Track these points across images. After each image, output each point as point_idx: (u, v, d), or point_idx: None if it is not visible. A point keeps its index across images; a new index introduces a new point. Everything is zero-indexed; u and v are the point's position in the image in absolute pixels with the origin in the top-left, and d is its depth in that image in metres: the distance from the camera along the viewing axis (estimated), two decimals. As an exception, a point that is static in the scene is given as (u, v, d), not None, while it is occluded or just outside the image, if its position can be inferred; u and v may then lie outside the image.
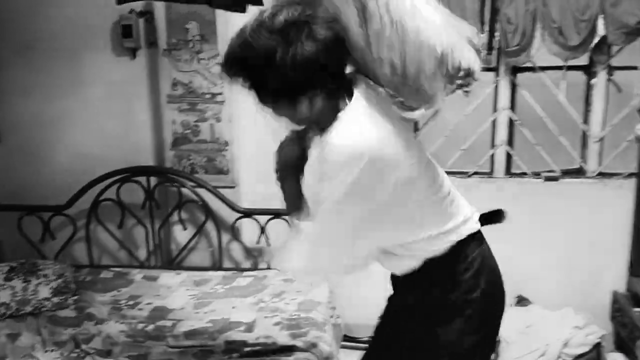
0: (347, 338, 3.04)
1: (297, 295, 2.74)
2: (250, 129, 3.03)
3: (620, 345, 3.03)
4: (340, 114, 1.36)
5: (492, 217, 1.69)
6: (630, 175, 2.99)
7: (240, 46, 1.31)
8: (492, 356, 2.95)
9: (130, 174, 3.03)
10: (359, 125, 1.34)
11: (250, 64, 1.30)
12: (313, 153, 1.46)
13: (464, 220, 1.54)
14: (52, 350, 2.40)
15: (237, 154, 3.05)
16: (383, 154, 1.33)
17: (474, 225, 1.57)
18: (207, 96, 2.95)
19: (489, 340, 1.65)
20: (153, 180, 3.06)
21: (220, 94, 2.95)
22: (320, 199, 1.39)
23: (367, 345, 1.76)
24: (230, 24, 2.75)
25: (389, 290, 1.69)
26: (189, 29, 2.89)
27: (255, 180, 3.06)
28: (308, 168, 1.48)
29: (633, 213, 2.98)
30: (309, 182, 1.48)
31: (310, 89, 1.31)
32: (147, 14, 2.93)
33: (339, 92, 1.37)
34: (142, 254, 3.19)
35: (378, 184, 1.35)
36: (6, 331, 2.50)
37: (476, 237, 1.57)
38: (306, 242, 1.45)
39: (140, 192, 3.05)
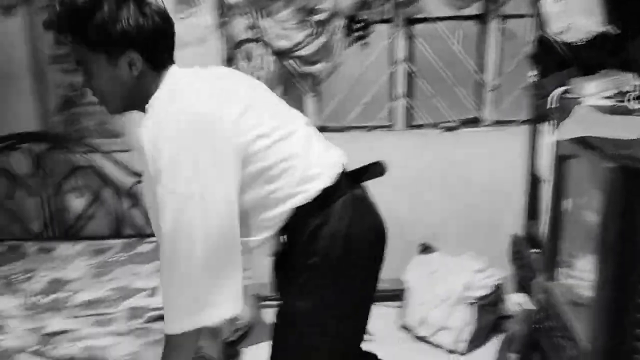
0: (259, 298, 3.02)
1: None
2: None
3: (522, 286, 3.17)
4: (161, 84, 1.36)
5: (371, 170, 1.67)
6: (525, 121, 3.09)
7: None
8: (399, 303, 3.03)
9: (15, 141, 2.84)
10: (176, 92, 1.35)
11: (75, 15, 1.30)
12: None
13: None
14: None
15: (132, 114, 2.91)
16: (198, 112, 1.32)
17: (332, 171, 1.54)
18: (95, 54, 2.79)
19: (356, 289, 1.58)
20: (42, 147, 2.88)
21: (107, 52, 2.79)
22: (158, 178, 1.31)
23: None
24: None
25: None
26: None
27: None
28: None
29: (527, 158, 3.09)
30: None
31: (131, 48, 1.32)
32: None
33: (161, 61, 1.39)
34: (36, 225, 3.03)
35: (207, 140, 1.32)
36: None
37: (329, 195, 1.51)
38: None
39: (29, 160, 2.87)
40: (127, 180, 2.92)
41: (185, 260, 1.31)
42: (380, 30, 2.98)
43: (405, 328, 2.97)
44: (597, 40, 2.64)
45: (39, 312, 2.34)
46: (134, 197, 2.96)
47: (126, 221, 3.05)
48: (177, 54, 2.83)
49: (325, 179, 1.49)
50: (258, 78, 2.79)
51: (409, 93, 3.11)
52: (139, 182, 2.91)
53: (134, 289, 2.49)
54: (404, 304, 2.99)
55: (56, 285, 2.56)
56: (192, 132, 1.29)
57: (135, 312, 2.31)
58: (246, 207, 1.43)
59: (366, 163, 1.67)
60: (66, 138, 2.87)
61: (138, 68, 1.35)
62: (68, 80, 2.82)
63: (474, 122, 3.16)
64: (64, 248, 2.87)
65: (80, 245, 2.89)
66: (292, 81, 3.03)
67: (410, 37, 3.01)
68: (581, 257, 2.57)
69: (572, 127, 2.06)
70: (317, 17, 2.77)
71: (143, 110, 1.39)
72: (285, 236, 1.52)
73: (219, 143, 1.33)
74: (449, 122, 3.10)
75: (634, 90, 2.27)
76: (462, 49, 3.00)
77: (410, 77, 3.07)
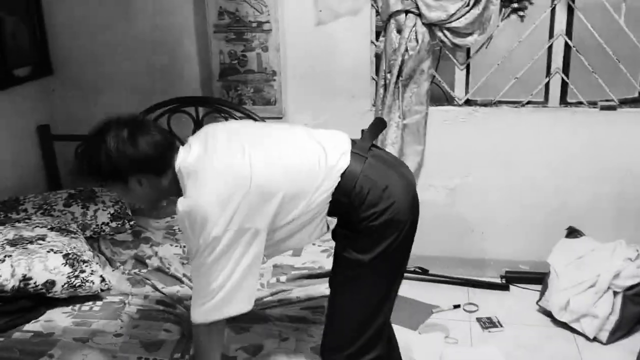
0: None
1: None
2: (297, 59, 3.02)
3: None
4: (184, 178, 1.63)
5: (375, 128, 1.84)
6: (695, 104, 2.85)
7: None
8: (540, 287, 2.95)
9: (179, 104, 3.07)
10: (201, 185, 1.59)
11: (86, 169, 1.68)
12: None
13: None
14: (117, 268, 2.52)
15: (285, 84, 3.04)
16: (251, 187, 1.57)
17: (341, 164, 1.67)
18: (254, 24, 2.93)
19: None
20: (202, 111, 3.09)
21: (267, 22, 2.92)
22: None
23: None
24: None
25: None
26: (235, -44, 2.86)
27: (301, 111, 3.07)
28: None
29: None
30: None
31: (136, 173, 1.63)
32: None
33: (162, 168, 1.66)
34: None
35: (257, 212, 1.57)
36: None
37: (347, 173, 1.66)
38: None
39: (190, 123, 3.09)
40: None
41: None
42: (538, 3, 2.86)
43: (545, 312, 2.89)
44: None
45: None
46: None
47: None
48: (331, 25, 2.92)
49: (342, 161, 1.66)
50: (407, 50, 2.82)
51: (566, 69, 2.97)
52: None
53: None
54: (546, 287, 2.91)
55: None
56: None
57: (279, 270, 2.47)
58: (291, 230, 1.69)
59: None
60: (225, 103, 3.05)
61: (146, 183, 1.65)
62: (229, 49, 2.99)
63: (636, 102, 2.96)
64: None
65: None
66: (444, 53, 3.01)
67: (570, 10, 2.87)
68: None
69: None
70: (472, -12, 2.71)
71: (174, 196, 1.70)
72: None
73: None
74: (608, 100, 2.93)
75: None
76: (626, 24, 2.80)
77: (568, 51, 2.93)
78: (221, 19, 2.95)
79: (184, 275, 2.40)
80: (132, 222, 2.88)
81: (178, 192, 1.64)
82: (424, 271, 3.24)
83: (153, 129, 1.67)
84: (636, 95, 2.97)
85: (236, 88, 3.04)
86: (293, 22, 2.96)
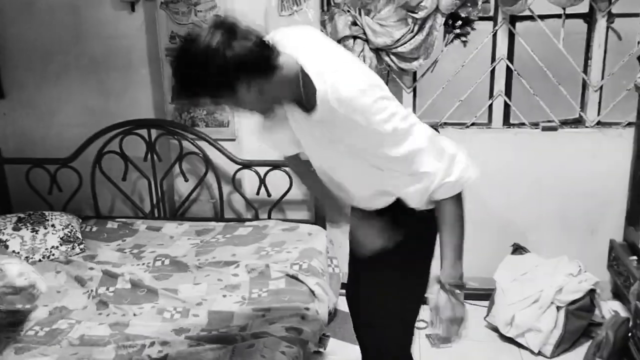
0: (344, 286, 3.11)
1: (297, 244, 2.81)
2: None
3: (616, 292, 3.07)
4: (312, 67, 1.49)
5: None
6: (630, 124, 2.98)
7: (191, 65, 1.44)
8: (487, 302, 3.03)
9: (132, 126, 3.09)
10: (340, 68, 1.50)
11: (189, 86, 1.46)
12: (295, 116, 1.57)
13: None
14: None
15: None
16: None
17: None
18: (205, 48, 2.97)
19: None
20: (154, 133, 3.12)
21: (217, 46, 2.96)
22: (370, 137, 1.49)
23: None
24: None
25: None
26: (186, -19, 2.91)
27: (254, 132, 3.10)
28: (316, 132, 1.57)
29: (631, 162, 2.98)
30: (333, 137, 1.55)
31: (244, 77, 1.44)
32: (144, -32, 2.95)
33: (268, 68, 1.47)
34: (146, 206, 3.28)
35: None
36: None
37: None
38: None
39: (143, 145, 3.12)
40: (230, 167, 3.10)
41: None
42: (480, 28, 2.97)
43: (492, 327, 2.97)
44: None
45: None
46: (236, 183, 3.13)
47: (226, 206, 3.23)
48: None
49: None
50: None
51: (508, 91, 3.08)
52: (240, 170, 3.08)
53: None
54: (492, 303, 2.98)
55: (163, 259, 2.77)
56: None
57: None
58: None
59: None
60: (178, 125, 3.08)
61: (255, 88, 1.47)
62: (181, 72, 3.03)
63: (576, 122, 3.08)
64: (170, 227, 3.10)
65: (184, 226, 3.11)
66: (391, 77, 3.09)
67: (511, 35, 2.98)
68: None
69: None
70: (417, 15, 2.80)
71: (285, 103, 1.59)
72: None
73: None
74: (549, 121, 3.04)
75: None
76: (565, 48, 2.93)
77: (510, 74, 3.04)
78: (173, 43, 2.99)
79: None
80: (82, 246, 2.87)
81: (292, 94, 1.54)
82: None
83: (244, 29, 1.47)
84: (576, 116, 3.09)
85: (189, 110, 3.07)
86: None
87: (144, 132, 3.10)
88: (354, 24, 2.91)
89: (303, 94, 1.52)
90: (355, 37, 2.91)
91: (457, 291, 1.62)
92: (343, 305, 2.73)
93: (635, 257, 2.87)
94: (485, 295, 3.10)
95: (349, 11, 2.91)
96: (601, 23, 2.91)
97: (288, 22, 2.93)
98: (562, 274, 2.84)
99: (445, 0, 2.78)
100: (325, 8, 2.97)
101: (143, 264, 2.71)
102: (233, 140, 3.10)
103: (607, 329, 2.49)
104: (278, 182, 3.02)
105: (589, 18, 2.96)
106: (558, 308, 2.78)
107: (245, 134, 3.11)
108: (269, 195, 3.08)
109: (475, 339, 2.92)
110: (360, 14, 2.89)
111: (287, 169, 3.00)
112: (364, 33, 2.89)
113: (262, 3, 2.87)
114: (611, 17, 2.90)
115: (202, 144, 3.08)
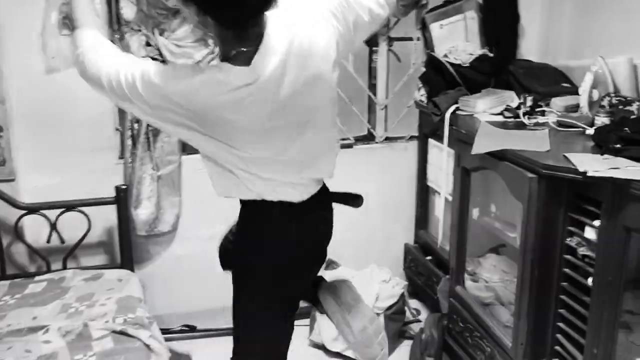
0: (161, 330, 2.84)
1: (110, 294, 2.45)
2: (29, 112, 2.62)
3: (415, 292, 3.34)
4: None
5: (350, 199, 1.93)
6: (412, 137, 3.28)
7: None
8: (308, 321, 3.04)
9: None
10: None
11: None
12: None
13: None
14: None
15: (13, 141, 2.60)
16: None
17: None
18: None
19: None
20: None
21: (-14, 70, 2.48)
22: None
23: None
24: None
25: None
26: None
27: (36, 170, 2.67)
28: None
29: (417, 172, 3.29)
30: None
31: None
32: None
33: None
34: None
35: None
36: None
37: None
38: None
39: None
40: (9, 213, 2.60)
41: None
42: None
43: (317, 345, 2.98)
44: (479, 62, 2.91)
45: None
46: (19, 232, 2.63)
47: (7, 259, 2.70)
48: (66, 73, 2.62)
49: None
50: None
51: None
52: (24, 215, 2.61)
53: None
54: (314, 320, 3.00)
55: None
56: None
57: None
58: None
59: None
60: None
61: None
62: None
63: (367, 138, 3.29)
64: None
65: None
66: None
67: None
68: (487, 260, 2.80)
69: (485, 142, 2.23)
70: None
71: None
72: None
73: None
74: (345, 139, 3.19)
75: (523, 107, 2.53)
76: (354, 69, 3.11)
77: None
78: None
79: None
80: None
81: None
82: (192, 328, 3.08)
83: None
84: (366, 133, 3.30)
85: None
86: (20, 71, 2.56)
87: None
88: (148, 44, 2.69)
89: None
90: (153, 59, 2.68)
91: None
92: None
93: (430, 257, 3.17)
94: (305, 313, 3.11)
95: (139, 30, 2.68)
96: (383, 46, 3.16)
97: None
98: (376, 282, 2.98)
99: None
100: (115, 27, 2.69)
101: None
102: (12, 180, 2.60)
103: (430, 327, 2.68)
104: (74, 225, 2.63)
105: (371, 42, 3.19)
106: (377, 315, 2.91)
107: (26, 172, 2.65)
108: (62, 241, 2.66)
109: (303, 359, 2.90)
110: (153, 34, 2.68)
111: (83, 209, 2.64)
112: (160, 54, 2.69)
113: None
114: (391, 41, 3.17)
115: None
